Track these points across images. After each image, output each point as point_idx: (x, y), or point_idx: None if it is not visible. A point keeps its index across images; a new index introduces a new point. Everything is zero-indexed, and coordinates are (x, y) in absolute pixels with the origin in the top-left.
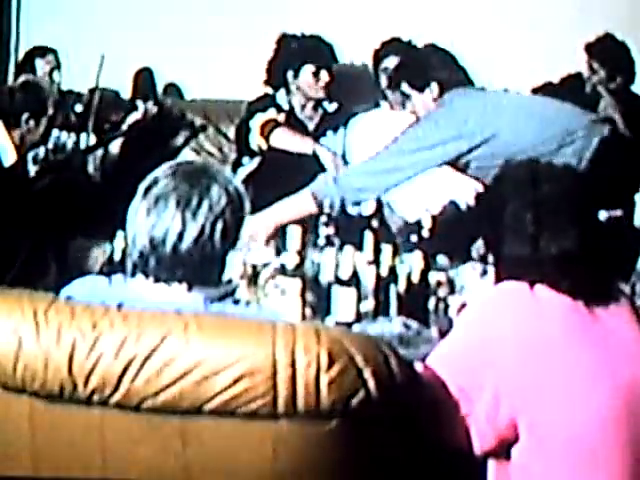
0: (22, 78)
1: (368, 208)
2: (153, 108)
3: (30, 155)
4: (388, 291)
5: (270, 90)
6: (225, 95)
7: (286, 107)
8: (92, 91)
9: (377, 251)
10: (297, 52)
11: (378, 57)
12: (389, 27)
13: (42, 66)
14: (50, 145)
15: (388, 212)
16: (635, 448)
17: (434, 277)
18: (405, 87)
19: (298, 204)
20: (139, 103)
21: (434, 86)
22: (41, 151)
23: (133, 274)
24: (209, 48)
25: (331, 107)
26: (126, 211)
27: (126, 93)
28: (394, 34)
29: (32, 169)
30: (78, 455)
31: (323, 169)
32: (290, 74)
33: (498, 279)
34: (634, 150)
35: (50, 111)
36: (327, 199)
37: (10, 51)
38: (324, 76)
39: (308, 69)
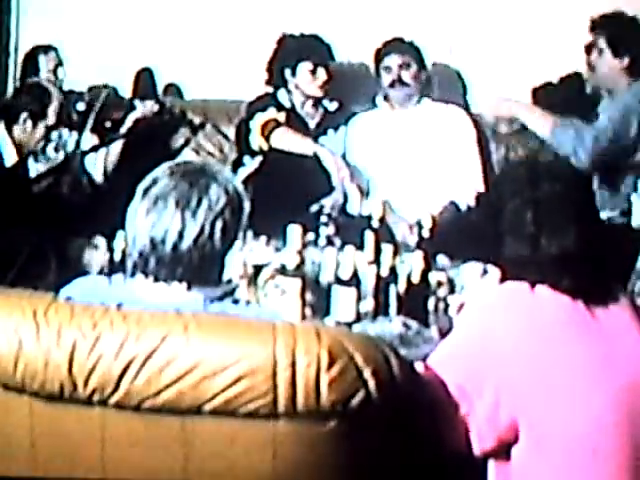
0: (27, 80)
1: (368, 208)
2: (153, 108)
3: (31, 155)
4: (388, 291)
5: (271, 90)
6: (225, 95)
7: (287, 105)
8: (92, 90)
9: (377, 251)
10: (294, 50)
11: (379, 56)
12: (389, 27)
13: (46, 63)
14: (51, 144)
15: (388, 212)
16: (635, 448)
17: (434, 277)
18: (603, 44)
19: (535, 118)
20: (139, 103)
21: (627, 59)
22: (42, 151)
23: (133, 274)
24: (209, 48)
25: (332, 106)
26: (126, 211)
27: (127, 93)
28: (394, 34)
29: (32, 169)
30: (78, 455)
31: (324, 170)
32: (288, 72)
33: (503, 279)
34: None
35: (52, 110)
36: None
37: (10, 51)
38: (321, 74)
39: (305, 67)
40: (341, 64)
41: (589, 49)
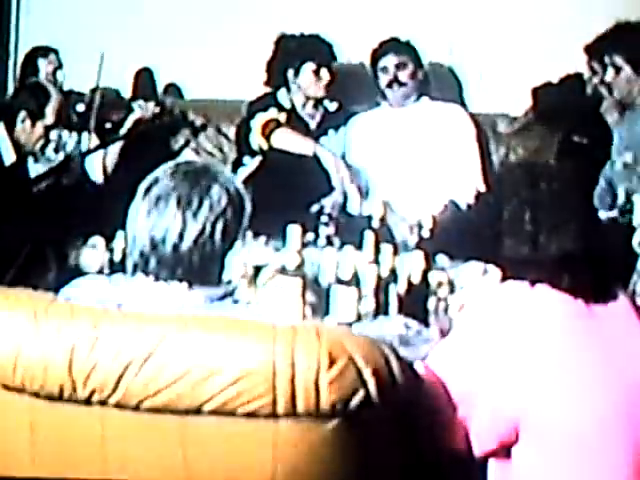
0: (26, 80)
1: (368, 208)
2: (153, 108)
3: (31, 156)
4: (388, 291)
5: (270, 90)
6: (225, 95)
7: (287, 105)
8: (93, 91)
9: (377, 251)
10: (297, 51)
11: (376, 57)
12: (388, 26)
13: (45, 66)
14: (51, 145)
15: (388, 212)
16: (636, 448)
17: (434, 277)
18: (618, 59)
19: None
20: (139, 103)
21: None
22: (41, 152)
23: (133, 274)
24: (209, 48)
25: (332, 106)
26: (127, 211)
27: (126, 93)
28: (393, 33)
29: (32, 170)
30: (78, 455)
31: (324, 170)
32: (290, 73)
33: (503, 279)
34: None
35: (50, 110)
36: None
37: (10, 51)
38: (325, 74)
39: (308, 67)
40: (341, 64)
41: (602, 68)
